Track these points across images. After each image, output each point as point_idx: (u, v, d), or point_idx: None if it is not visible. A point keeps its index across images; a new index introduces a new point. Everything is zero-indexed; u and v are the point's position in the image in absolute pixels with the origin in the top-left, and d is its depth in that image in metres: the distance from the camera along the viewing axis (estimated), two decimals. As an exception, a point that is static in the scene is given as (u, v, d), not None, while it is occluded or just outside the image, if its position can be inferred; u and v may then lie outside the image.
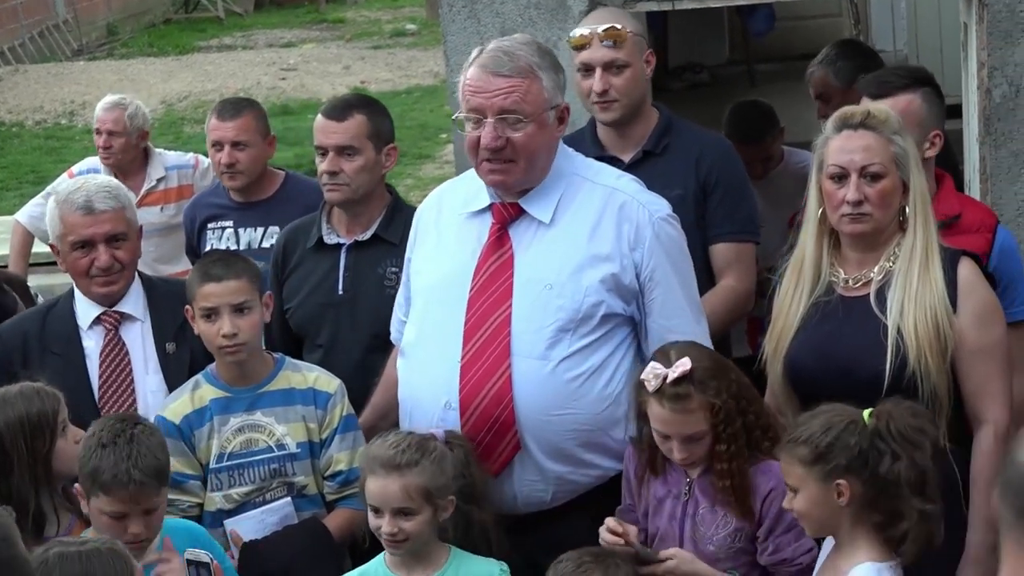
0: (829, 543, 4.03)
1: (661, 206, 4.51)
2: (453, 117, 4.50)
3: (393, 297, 5.05)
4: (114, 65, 21.18)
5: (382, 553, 4.31)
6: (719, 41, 14.17)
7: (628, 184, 4.54)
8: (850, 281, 4.37)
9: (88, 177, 5.69)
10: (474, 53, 4.43)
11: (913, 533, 3.85)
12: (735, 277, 5.23)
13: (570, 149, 4.60)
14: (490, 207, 4.49)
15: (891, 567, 3.85)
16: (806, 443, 3.85)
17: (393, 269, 5.20)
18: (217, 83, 18.82)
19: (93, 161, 8.06)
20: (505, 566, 4.24)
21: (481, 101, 4.33)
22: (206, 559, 4.30)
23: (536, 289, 4.36)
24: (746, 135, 6.60)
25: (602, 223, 4.42)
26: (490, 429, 4.32)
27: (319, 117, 5.40)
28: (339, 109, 5.40)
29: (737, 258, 5.26)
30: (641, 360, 4.44)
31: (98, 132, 7.84)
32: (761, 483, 4.14)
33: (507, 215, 4.46)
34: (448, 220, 4.59)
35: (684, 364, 4.13)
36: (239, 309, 4.75)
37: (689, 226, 5.17)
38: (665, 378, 4.11)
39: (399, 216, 5.34)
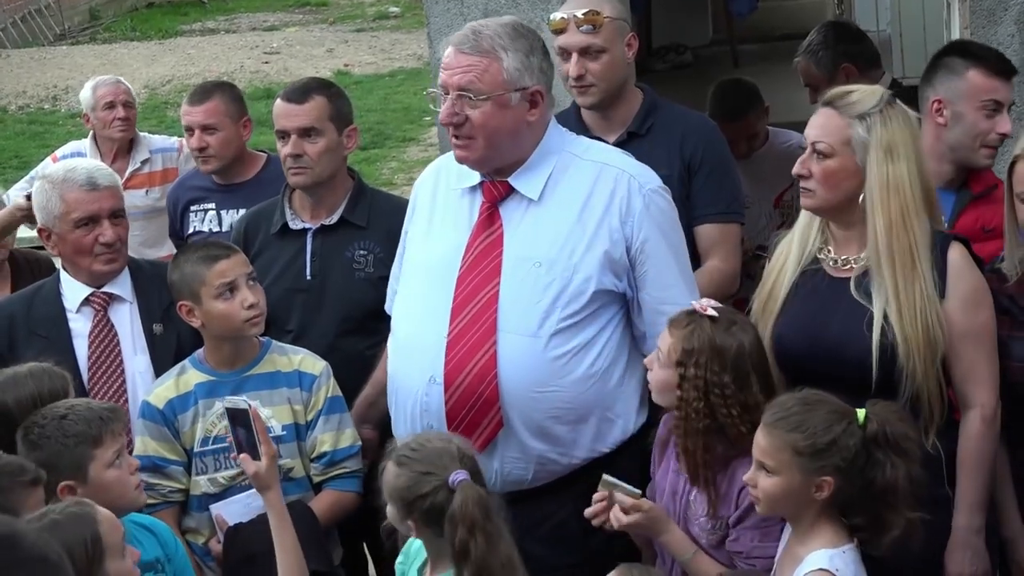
0: (788, 534, 4.04)
1: (651, 178, 4.53)
2: (426, 92, 4.60)
3: (363, 280, 5.07)
4: (97, 50, 21.12)
5: None
6: (702, 22, 14.19)
7: (618, 158, 4.57)
8: (838, 261, 4.36)
9: (76, 160, 5.70)
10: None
11: (896, 538, 3.88)
12: (720, 258, 5.24)
13: (563, 128, 4.62)
14: (480, 184, 4.51)
15: (845, 551, 3.86)
16: (804, 434, 3.83)
17: (362, 252, 5.20)
18: (200, 67, 18.78)
19: (77, 145, 8.07)
20: None
21: (445, 77, 4.41)
22: (244, 406, 4.32)
23: (526, 267, 4.38)
24: (730, 113, 6.61)
25: (592, 199, 4.44)
26: (474, 405, 4.34)
27: (278, 102, 5.37)
28: (299, 92, 5.38)
29: (722, 239, 5.26)
30: (632, 337, 4.49)
31: (111, 105, 7.86)
32: (740, 474, 4.10)
33: (497, 193, 4.48)
34: (443, 195, 4.62)
35: (710, 310, 4.19)
36: (252, 279, 4.81)
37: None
38: (692, 307, 4.23)
39: (363, 199, 5.35)
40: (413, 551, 4.28)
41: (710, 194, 5.25)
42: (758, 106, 6.76)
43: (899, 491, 3.85)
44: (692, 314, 4.21)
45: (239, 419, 4.34)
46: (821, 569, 3.81)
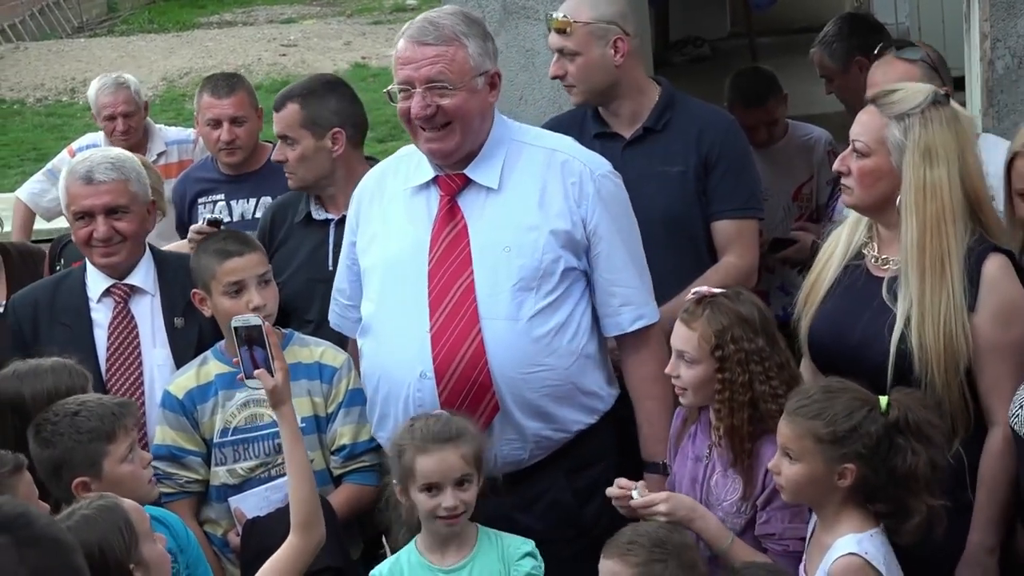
0: (813, 523, 4.04)
1: (601, 163, 4.61)
2: (385, 90, 4.56)
3: None
4: (114, 42, 21.14)
5: (413, 540, 4.30)
6: (720, 14, 14.16)
7: (568, 144, 4.63)
8: (878, 259, 4.31)
9: (99, 148, 5.70)
10: (405, 27, 4.50)
11: (918, 524, 3.88)
12: (737, 254, 5.24)
13: (505, 117, 4.68)
14: (434, 180, 4.54)
15: (872, 535, 3.87)
16: (825, 422, 3.84)
17: None
18: (218, 59, 18.78)
19: (94, 137, 8.06)
20: (532, 543, 4.24)
21: (409, 72, 4.41)
22: (256, 322, 4.25)
23: (495, 252, 4.44)
24: (749, 99, 6.61)
25: (548, 183, 4.50)
26: (468, 393, 4.38)
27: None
28: (278, 99, 5.46)
29: (739, 235, 5.26)
30: (593, 315, 4.55)
31: (111, 118, 7.81)
32: (767, 455, 4.13)
33: (454, 185, 4.51)
34: (392, 198, 4.64)
35: (712, 291, 4.26)
36: (263, 280, 4.79)
37: (689, 202, 5.19)
38: (695, 296, 4.26)
39: None
40: (404, 559, 4.31)
41: (727, 190, 5.25)
42: (777, 93, 6.75)
43: (920, 477, 3.84)
44: (700, 301, 4.24)
45: (251, 337, 4.26)
46: (851, 554, 3.81)
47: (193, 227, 5.73)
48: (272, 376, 4.20)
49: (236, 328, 4.27)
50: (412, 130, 4.47)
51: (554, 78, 5.29)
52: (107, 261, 5.04)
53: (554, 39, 5.23)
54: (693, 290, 4.32)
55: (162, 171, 7.73)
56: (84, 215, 5.01)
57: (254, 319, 4.27)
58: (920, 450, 3.84)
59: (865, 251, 4.34)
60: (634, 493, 4.19)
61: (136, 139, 7.81)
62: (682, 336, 4.23)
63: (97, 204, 5.00)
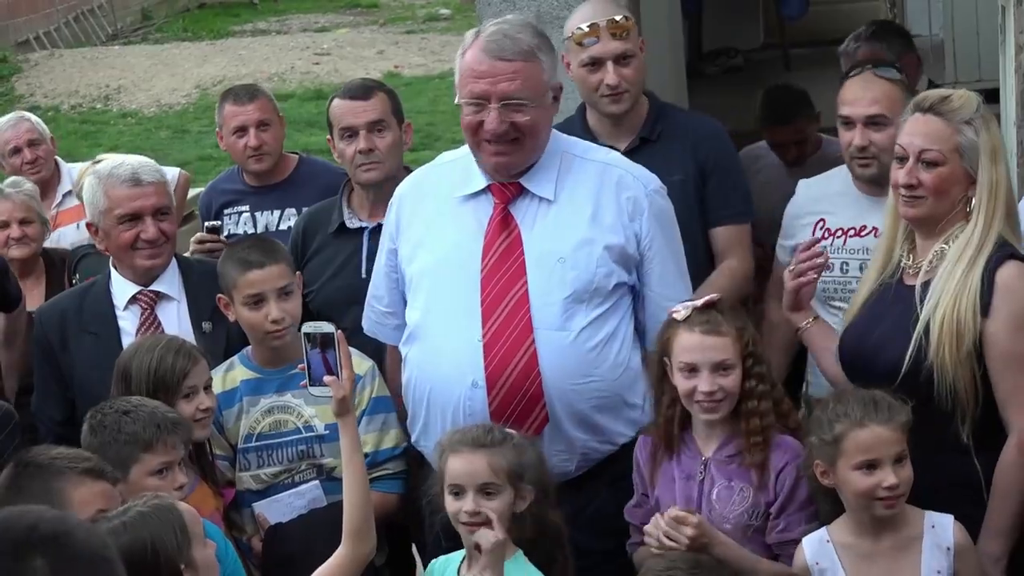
0: (820, 550, 4.06)
1: (651, 179, 4.60)
2: (457, 102, 4.47)
3: None
4: (148, 50, 21.22)
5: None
6: (753, 25, 14.17)
7: (619, 159, 4.64)
8: (910, 269, 4.31)
9: (125, 156, 5.71)
10: (470, 36, 4.44)
11: None
12: (739, 257, 5.26)
13: (554, 129, 4.63)
14: (486, 189, 4.51)
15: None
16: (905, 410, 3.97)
17: None
18: (251, 67, 18.84)
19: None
20: None
21: (485, 87, 4.36)
22: (328, 329, 4.21)
23: (549, 263, 4.41)
24: (779, 117, 6.61)
25: (601, 197, 4.49)
26: (519, 403, 4.36)
27: (339, 101, 5.40)
28: (362, 89, 5.43)
29: (738, 240, 5.28)
30: (637, 330, 4.54)
31: (16, 151, 7.72)
32: (775, 457, 4.13)
33: (509, 194, 4.49)
34: (438, 206, 4.60)
35: (713, 296, 4.27)
36: (285, 293, 4.78)
37: (690, 210, 5.17)
38: (694, 308, 4.23)
39: None
40: (437, 569, 4.28)
41: (723, 197, 5.28)
42: (808, 110, 6.74)
43: None
44: (704, 310, 4.22)
45: (321, 343, 4.21)
46: (955, 521, 3.99)
47: (194, 237, 5.71)
48: (341, 384, 4.18)
49: (307, 334, 4.24)
50: (476, 143, 4.43)
51: (614, 87, 5.14)
52: (152, 263, 5.05)
53: (612, 45, 5.12)
54: (686, 303, 4.30)
55: (73, 211, 7.59)
56: (132, 217, 5.00)
57: (327, 326, 4.24)
58: None
59: (906, 263, 4.35)
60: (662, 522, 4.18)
61: (47, 172, 7.75)
62: (716, 346, 4.18)
63: (147, 205, 5.00)
